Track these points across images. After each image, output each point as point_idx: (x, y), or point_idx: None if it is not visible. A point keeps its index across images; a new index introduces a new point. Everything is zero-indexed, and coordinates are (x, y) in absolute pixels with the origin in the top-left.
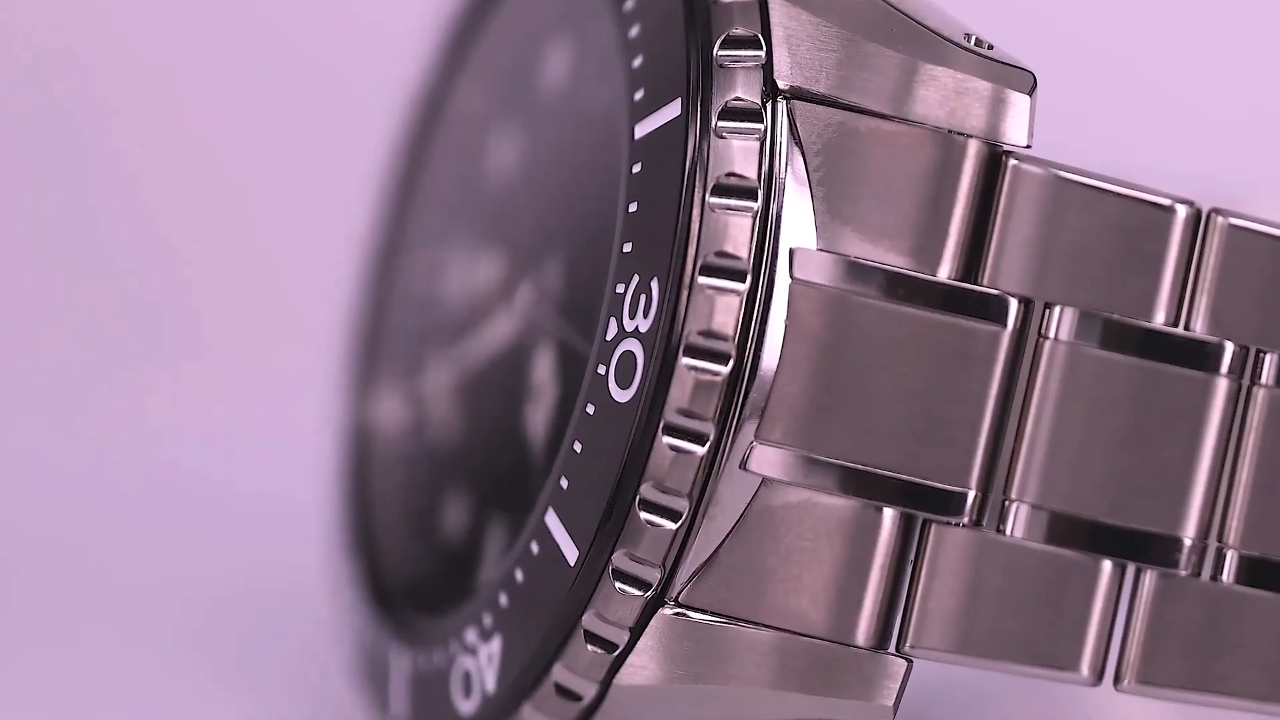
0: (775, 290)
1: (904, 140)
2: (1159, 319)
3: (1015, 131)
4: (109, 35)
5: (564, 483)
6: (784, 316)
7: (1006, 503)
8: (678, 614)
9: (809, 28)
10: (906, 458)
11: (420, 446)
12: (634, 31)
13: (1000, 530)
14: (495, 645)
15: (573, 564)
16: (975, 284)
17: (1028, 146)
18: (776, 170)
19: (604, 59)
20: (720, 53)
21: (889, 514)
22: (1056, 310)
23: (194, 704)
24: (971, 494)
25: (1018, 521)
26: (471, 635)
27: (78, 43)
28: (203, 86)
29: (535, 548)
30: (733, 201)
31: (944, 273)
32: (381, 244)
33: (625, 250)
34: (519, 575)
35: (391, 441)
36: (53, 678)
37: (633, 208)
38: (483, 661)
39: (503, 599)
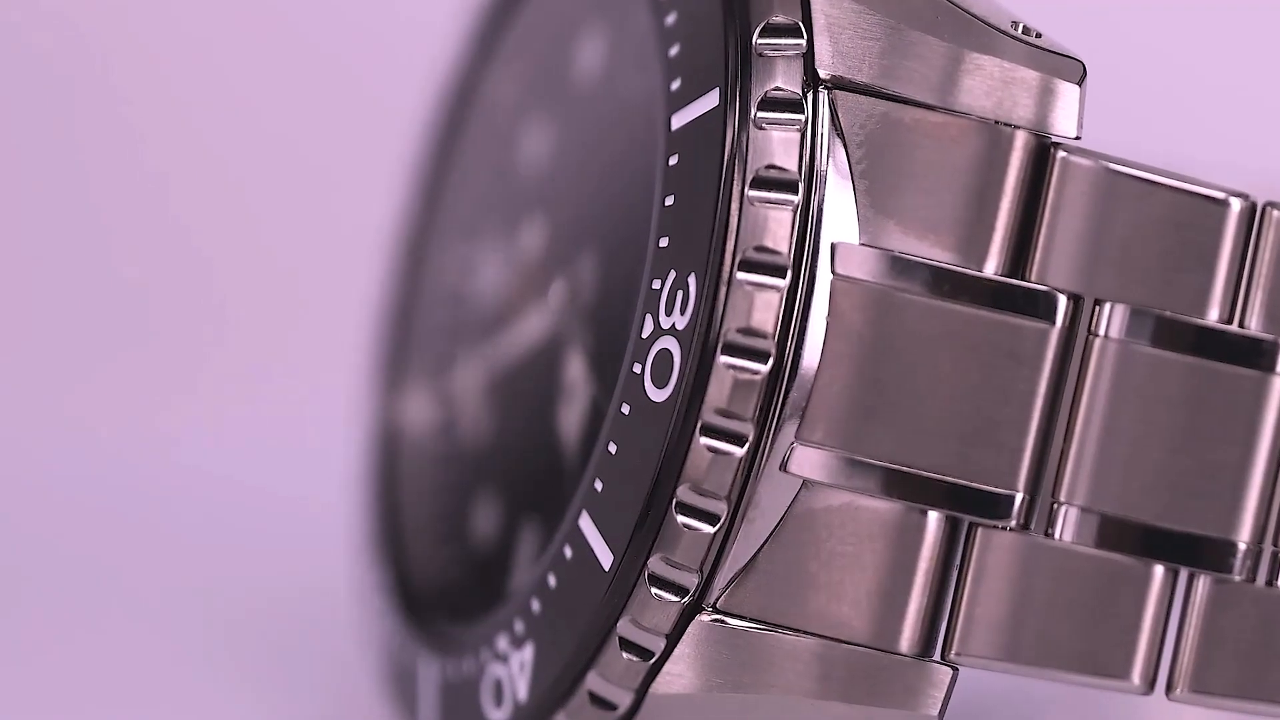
0: (816, 286)
1: (949, 131)
2: (1213, 316)
3: (1064, 122)
4: (130, 26)
5: (598, 485)
6: (825, 313)
7: (1055, 505)
8: (715, 620)
9: (851, 15)
10: (952, 459)
11: (450, 447)
12: (670, 19)
13: (1049, 534)
14: (527, 653)
15: (607, 569)
16: (1023, 280)
17: (1077, 138)
18: (818, 162)
19: (639, 48)
20: (760, 41)
21: (934, 517)
22: (1107, 307)
23: (221, 710)
24: (1019, 496)
25: (1067, 525)
26: (503, 642)
27: (91, 38)
28: (231, 81)
29: (568, 552)
30: (772, 195)
31: (991, 268)
32: (411, 238)
33: (661, 245)
34: (552, 580)
35: (421, 442)
36: (77, 684)
37: (669, 201)
38: (514, 669)
39: (535, 605)
